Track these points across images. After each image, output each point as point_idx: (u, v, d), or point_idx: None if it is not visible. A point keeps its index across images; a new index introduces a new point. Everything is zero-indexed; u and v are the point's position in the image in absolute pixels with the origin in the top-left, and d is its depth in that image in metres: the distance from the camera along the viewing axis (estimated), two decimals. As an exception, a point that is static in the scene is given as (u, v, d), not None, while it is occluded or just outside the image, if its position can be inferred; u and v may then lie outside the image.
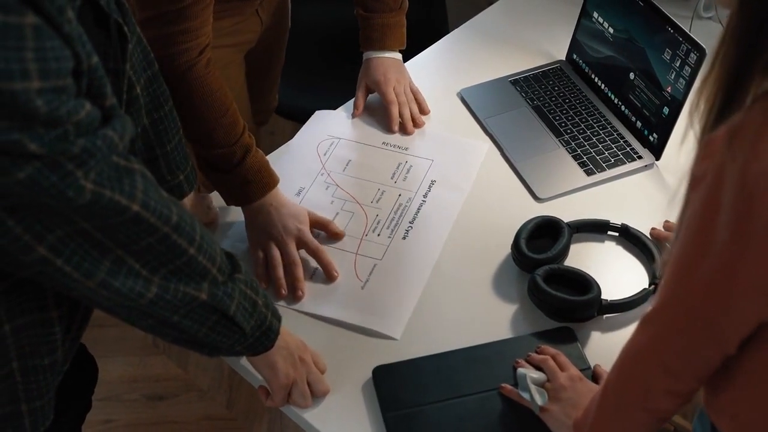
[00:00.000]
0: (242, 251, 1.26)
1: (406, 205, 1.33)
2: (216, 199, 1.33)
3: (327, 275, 1.21)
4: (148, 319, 0.89)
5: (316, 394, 1.06)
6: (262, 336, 0.98)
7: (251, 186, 1.21)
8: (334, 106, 1.54)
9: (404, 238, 1.28)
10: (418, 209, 1.33)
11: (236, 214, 1.31)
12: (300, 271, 1.20)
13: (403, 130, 1.46)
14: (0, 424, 0.94)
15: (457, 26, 1.74)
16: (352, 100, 1.53)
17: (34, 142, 0.68)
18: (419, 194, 1.35)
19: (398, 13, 1.51)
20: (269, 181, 1.23)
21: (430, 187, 1.37)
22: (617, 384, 0.87)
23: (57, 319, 0.92)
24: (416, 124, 1.47)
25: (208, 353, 0.98)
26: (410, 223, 1.30)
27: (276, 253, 1.21)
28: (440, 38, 1.71)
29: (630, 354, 0.85)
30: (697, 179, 0.72)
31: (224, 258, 0.94)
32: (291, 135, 1.49)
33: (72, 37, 0.70)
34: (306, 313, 1.17)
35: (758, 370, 0.78)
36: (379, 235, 1.28)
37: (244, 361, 1.10)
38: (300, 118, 1.86)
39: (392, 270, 1.23)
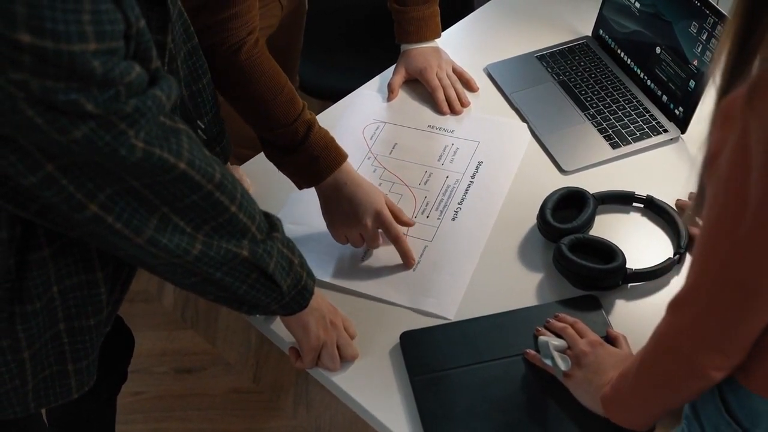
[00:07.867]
0: (295, 234, 1.22)
1: (454, 187, 1.33)
2: (250, 173, 1.35)
3: (406, 263, 1.20)
4: (192, 277, 0.92)
5: (345, 358, 1.09)
6: (298, 295, 1.01)
7: (319, 162, 1.18)
8: (358, 85, 1.56)
9: (453, 219, 1.28)
10: (467, 190, 1.33)
11: (284, 192, 1.32)
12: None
13: (453, 111, 1.48)
14: (48, 383, 0.97)
15: (484, 2, 1.74)
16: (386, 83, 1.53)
17: (90, 102, 0.71)
18: (467, 175, 1.35)
19: (431, 4, 1.52)
20: (337, 155, 1.20)
21: (477, 168, 1.37)
22: (655, 366, 0.86)
23: (102, 279, 0.95)
24: (463, 104, 1.49)
25: (247, 311, 1.01)
26: (459, 204, 1.31)
27: (357, 236, 1.21)
28: (468, 14, 1.72)
29: (669, 337, 0.83)
30: (718, 145, 0.70)
31: (262, 217, 0.97)
32: (316, 114, 1.50)
33: (123, 1, 0.73)
34: (347, 288, 1.18)
35: None
36: (428, 216, 1.29)
37: (273, 325, 1.13)
38: (324, 96, 1.89)
39: (443, 251, 1.23)
